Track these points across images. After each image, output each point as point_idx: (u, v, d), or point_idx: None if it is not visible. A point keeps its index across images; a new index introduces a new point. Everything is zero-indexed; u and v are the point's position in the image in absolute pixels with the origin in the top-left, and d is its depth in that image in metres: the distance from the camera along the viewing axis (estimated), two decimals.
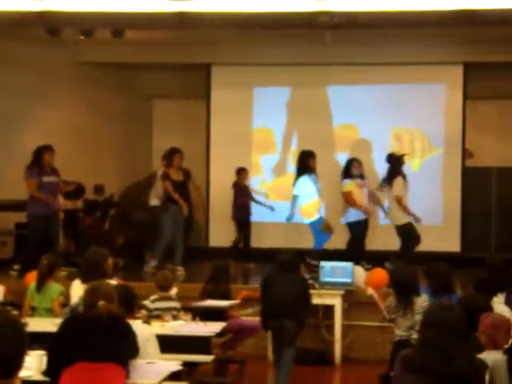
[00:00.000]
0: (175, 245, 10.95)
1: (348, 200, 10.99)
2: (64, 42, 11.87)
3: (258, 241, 12.47)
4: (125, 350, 4.33)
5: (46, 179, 10.35)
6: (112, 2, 9.32)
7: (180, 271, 10.65)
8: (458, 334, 3.92)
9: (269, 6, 9.17)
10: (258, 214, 12.38)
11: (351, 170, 11.11)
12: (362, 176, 11.18)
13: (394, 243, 11.02)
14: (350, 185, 11.03)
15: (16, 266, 10.18)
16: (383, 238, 11.74)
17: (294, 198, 10.77)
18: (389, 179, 10.91)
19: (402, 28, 11.21)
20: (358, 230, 10.99)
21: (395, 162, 10.97)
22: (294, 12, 9.20)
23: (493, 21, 9.76)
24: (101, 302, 4.56)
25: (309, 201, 10.71)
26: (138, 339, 4.70)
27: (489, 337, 4.67)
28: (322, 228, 10.65)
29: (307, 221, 10.79)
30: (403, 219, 10.81)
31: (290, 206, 10.87)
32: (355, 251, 10.75)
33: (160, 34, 12.08)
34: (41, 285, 7.29)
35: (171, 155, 10.93)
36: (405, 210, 10.76)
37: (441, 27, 11.06)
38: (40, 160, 10.33)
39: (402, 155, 11.14)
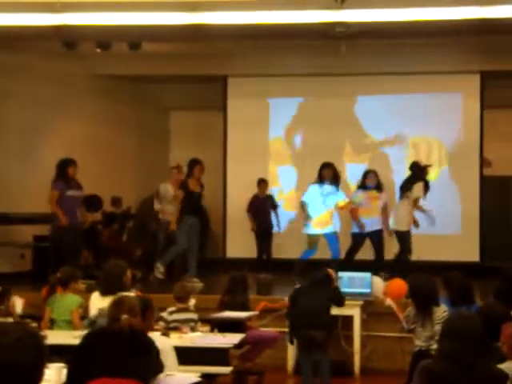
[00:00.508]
0: (188, 256, 10.91)
1: (350, 211, 11.01)
2: (81, 55, 11.94)
3: (276, 251, 12.46)
4: (147, 366, 4.27)
5: (69, 193, 10.51)
6: (128, 15, 9.37)
7: (196, 282, 10.65)
8: (477, 345, 3.89)
9: (283, 18, 9.18)
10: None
11: (365, 181, 11.11)
12: (378, 187, 11.16)
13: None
14: (358, 197, 11.03)
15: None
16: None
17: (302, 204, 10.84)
18: (408, 184, 10.85)
19: (418, 37, 11.19)
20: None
21: (418, 172, 10.93)
22: (309, 23, 9.21)
23: (509, 30, 9.72)
24: (124, 316, 4.53)
25: (320, 211, 10.72)
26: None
27: (510, 346, 4.62)
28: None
29: (322, 231, 10.79)
30: (405, 227, 10.77)
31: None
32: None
33: (176, 46, 12.14)
34: (50, 296, 7.31)
35: (192, 166, 10.96)
36: (419, 209, 10.86)
37: (457, 36, 11.03)
38: (65, 173, 10.44)
39: (427, 166, 11.11)
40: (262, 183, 12.20)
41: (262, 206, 12.13)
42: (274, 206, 12.27)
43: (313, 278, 7.94)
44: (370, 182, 11.09)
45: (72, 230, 10.46)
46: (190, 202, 10.81)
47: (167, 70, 13.21)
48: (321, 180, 10.85)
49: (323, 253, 11.01)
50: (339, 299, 7.89)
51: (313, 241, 10.91)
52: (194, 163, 10.99)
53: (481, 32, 10.17)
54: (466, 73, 12.76)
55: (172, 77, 13.66)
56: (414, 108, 12.90)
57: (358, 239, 11.06)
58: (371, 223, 10.95)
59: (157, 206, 11.77)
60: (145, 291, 8.53)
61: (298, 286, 8.40)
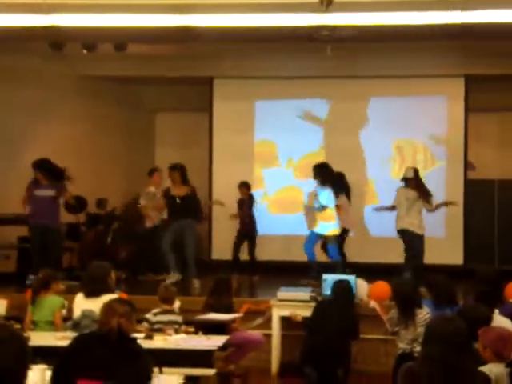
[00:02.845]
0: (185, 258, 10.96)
1: (340, 213, 11.05)
2: (67, 56, 11.91)
3: (261, 253, 12.46)
4: (133, 372, 4.24)
5: (38, 193, 10.50)
6: (114, 17, 9.36)
7: (195, 284, 10.62)
8: (460, 347, 3.91)
9: (269, 21, 9.20)
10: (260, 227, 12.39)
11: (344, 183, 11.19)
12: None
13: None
14: (342, 198, 11.12)
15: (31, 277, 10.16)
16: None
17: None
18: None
19: (403, 41, 11.23)
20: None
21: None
22: (295, 26, 9.23)
23: (494, 34, 9.79)
24: (114, 321, 4.51)
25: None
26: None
27: (494, 350, 4.64)
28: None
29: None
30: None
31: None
32: None
33: (162, 47, 12.13)
34: (34, 298, 7.29)
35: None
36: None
37: (442, 40, 11.09)
38: (36, 174, 10.57)
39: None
40: (243, 186, 12.21)
41: (242, 209, 12.16)
42: (250, 206, 12.21)
43: (335, 290, 7.99)
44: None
45: (40, 230, 10.43)
46: (172, 206, 10.86)
47: (153, 72, 13.20)
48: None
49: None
50: (356, 331, 7.87)
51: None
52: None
53: (465, 36, 10.22)
54: (451, 76, 12.84)
55: (158, 78, 13.65)
56: (398, 111, 12.97)
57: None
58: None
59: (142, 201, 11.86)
60: (129, 293, 8.53)
61: (320, 298, 8.45)
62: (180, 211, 10.78)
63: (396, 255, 10.87)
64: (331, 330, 7.49)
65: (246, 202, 12.11)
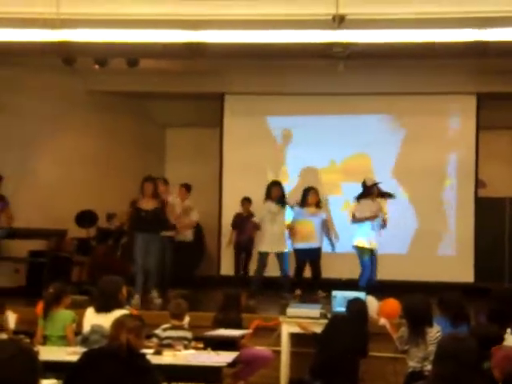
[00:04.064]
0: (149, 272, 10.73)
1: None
2: (79, 71, 11.98)
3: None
4: None
5: None
6: (127, 32, 9.40)
7: (155, 298, 10.47)
8: (471, 366, 3.88)
9: (281, 37, 9.22)
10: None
11: (307, 198, 11.32)
12: (318, 204, 11.45)
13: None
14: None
15: None
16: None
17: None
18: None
19: (415, 59, 11.25)
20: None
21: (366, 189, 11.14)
22: (307, 43, 9.25)
23: (505, 53, 9.78)
24: (124, 336, 4.49)
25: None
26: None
27: (502, 370, 4.61)
28: None
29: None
30: None
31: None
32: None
33: (174, 63, 12.17)
34: (47, 313, 7.28)
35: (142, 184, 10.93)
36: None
37: (454, 58, 11.09)
38: None
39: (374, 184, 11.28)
40: (246, 202, 12.23)
41: (243, 224, 12.16)
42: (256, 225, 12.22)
43: (350, 310, 7.99)
44: (312, 198, 11.37)
45: None
46: (137, 219, 10.70)
47: (164, 87, 13.25)
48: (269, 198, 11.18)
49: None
50: (366, 350, 7.87)
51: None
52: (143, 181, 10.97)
53: (477, 54, 10.21)
54: (463, 94, 12.83)
55: (169, 94, 13.69)
56: (409, 128, 12.96)
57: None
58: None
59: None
60: (139, 308, 8.53)
61: (330, 315, 8.46)
62: (146, 224, 10.65)
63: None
64: (342, 347, 7.45)
65: (248, 219, 12.09)
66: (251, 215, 12.18)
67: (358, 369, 7.72)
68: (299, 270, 11.42)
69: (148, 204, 10.63)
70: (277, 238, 11.02)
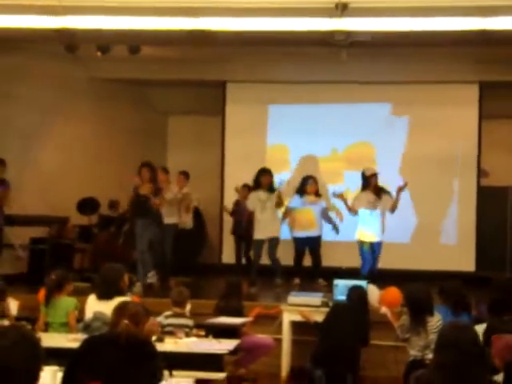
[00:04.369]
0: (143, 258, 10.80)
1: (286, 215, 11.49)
2: (81, 58, 11.96)
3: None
4: (142, 375, 4.17)
5: None
6: (129, 19, 9.38)
7: (137, 287, 10.36)
8: (473, 355, 3.88)
9: (283, 25, 9.19)
10: None
11: (306, 187, 11.28)
12: (317, 193, 11.45)
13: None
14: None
15: None
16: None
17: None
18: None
19: (417, 47, 11.23)
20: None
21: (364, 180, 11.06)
22: (310, 31, 9.23)
23: (508, 41, 9.76)
24: (123, 322, 4.48)
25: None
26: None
27: (502, 358, 4.62)
28: None
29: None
30: None
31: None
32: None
33: (176, 50, 12.16)
34: (49, 300, 7.29)
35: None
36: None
37: (457, 47, 11.07)
38: None
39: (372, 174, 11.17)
40: (244, 189, 12.22)
41: (241, 212, 12.17)
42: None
43: (354, 296, 8.01)
44: (311, 187, 11.38)
45: None
46: (136, 204, 10.72)
47: (166, 75, 13.23)
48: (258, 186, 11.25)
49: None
50: (367, 338, 7.89)
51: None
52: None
53: (480, 43, 10.20)
54: (465, 83, 12.80)
55: (171, 81, 13.67)
56: (412, 116, 12.94)
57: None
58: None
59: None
60: (141, 295, 8.54)
61: (332, 303, 8.48)
62: (144, 210, 10.64)
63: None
64: (343, 334, 7.47)
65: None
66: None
67: (359, 357, 7.74)
68: (298, 258, 11.44)
69: (145, 189, 10.63)
70: (268, 224, 11.06)
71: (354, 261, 11.08)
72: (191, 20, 9.21)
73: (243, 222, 12.19)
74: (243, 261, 12.43)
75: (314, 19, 9.01)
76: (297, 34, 9.48)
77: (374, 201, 10.88)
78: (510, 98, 12.76)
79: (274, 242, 11.10)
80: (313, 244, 11.34)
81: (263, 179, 11.18)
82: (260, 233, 11.12)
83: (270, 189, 11.16)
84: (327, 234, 11.54)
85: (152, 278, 10.65)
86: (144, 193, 10.60)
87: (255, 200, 11.15)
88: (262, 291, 10.79)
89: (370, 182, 10.93)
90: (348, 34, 8.87)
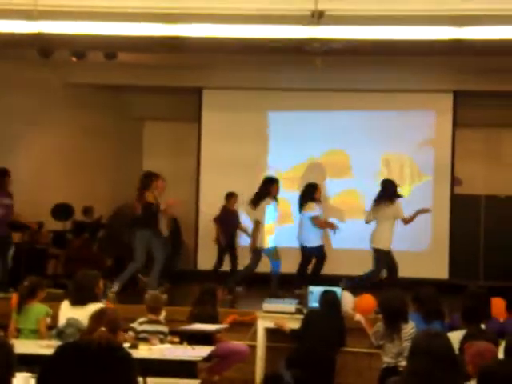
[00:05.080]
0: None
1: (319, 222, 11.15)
2: (56, 63, 11.88)
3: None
4: (117, 381, 4.14)
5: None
6: (105, 25, 9.34)
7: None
8: (445, 362, 3.90)
9: (261, 32, 9.21)
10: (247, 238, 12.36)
11: (316, 194, 11.21)
12: (320, 200, 11.40)
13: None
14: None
15: None
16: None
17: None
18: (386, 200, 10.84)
19: (392, 55, 11.30)
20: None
21: (392, 187, 10.93)
22: (285, 38, 9.25)
23: (483, 51, 9.86)
24: (100, 330, 4.46)
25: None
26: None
27: (474, 365, 4.66)
28: (272, 255, 10.82)
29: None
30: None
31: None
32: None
33: (152, 57, 12.14)
34: (21, 306, 7.24)
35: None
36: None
37: (431, 56, 11.15)
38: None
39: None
40: (231, 197, 12.17)
41: (229, 220, 12.10)
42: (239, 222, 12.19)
43: (324, 301, 8.05)
44: (319, 194, 11.30)
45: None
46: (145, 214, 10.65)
47: (142, 81, 13.19)
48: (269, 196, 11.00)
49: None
50: (343, 339, 7.93)
51: (277, 252, 10.98)
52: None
53: (454, 52, 10.28)
54: (439, 91, 12.90)
55: (147, 87, 13.65)
56: (386, 125, 13.01)
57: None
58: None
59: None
60: (114, 302, 8.50)
61: (306, 310, 8.48)
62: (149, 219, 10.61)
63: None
64: (318, 339, 7.50)
65: (236, 214, 12.06)
66: (236, 210, 12.14)
67: (334, 363, 7.77)
68: (305, 266, 11.31)
69: (151, 198, 10.67)
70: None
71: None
72: (167, 26, 9.20)
73: (231, 229, 12.08)
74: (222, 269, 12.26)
75: (291, 27, 9.04)
76: (272, 42, 9.50)
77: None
78: (483, 106, 12.88)
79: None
80: (321, 252, 11.30)
81: (274, 188, 11.04)
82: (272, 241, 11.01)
83: (275, 198, 11.06)
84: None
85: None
86: (153, 202, 10.59)
87: (265, 208, 10.91)
88: (242, 298, 10.78)
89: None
90: (323, 41, 8.90)
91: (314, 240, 11.09)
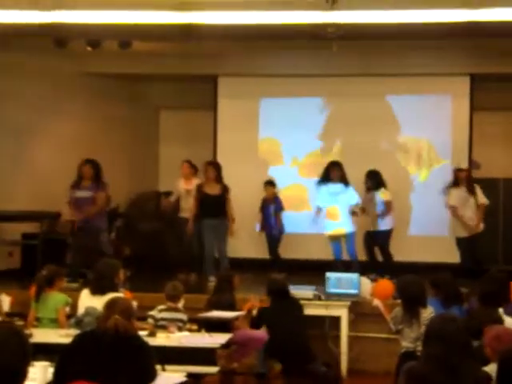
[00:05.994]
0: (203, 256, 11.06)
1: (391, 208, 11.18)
2: (71, 53, 11.92)
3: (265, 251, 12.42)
4: (133, 370, 4.12)
5: (77, 194, 10.65)
6: (119, 14, 9.36)
7: (211, 281, 10.37)
8: (461, 346, 3.90)
9: (274, 18, 9.19)
10: None
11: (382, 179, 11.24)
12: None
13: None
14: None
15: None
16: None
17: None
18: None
19: (408, 39, 11.23)
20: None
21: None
22: (301, 24, 9.22)
23: (499, 33, 9.77)
24: (114, 317, 4.46)
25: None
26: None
27: (493, 349, 4.65)
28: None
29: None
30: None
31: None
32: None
33: (167, 45, 12.13)
34: (39, 295, 7.29)
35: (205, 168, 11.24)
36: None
37: (448, 39, 11.07)
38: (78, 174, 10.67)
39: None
40: (267, 185, 12.09)
41: (266, 209, 12.02)
42: (277, 209, 12.10)
43: (275, 290, 8.09)
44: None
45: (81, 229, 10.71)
46: (202, 204, 10.91)
47: (158, 69, 13.19)
48: (327, 179, 11.03)
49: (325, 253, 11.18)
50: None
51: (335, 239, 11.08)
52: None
53: (471, 35, 10.21)
54: (456, 75, 12.80)
55: (162, 76, 13.64)
56: (404, 109, 12.94)
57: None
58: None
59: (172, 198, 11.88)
60: (133, 290, 8.54)
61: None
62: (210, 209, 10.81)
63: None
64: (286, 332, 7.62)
65: (272, 203, 11.97)
66: (276, 198, 12.10)
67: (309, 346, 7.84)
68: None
69: (212, 189, 10.91)
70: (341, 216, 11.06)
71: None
72: (182, 14, 9.21)
73: (271, 219, 12.02)
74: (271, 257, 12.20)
75: (305, 12, 9.01)
76: (287, 28, 9.48)
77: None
78: (500, 90, 12.77)
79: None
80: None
81: (332, 172, 11.10)
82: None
83: (343, 181, 11.09)
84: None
85: None
86: (212, 193, 10.93)
87: (325, 192, 11.06)
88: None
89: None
90: (338, 26, 8.86)
91: (388, 223, 11.16)
